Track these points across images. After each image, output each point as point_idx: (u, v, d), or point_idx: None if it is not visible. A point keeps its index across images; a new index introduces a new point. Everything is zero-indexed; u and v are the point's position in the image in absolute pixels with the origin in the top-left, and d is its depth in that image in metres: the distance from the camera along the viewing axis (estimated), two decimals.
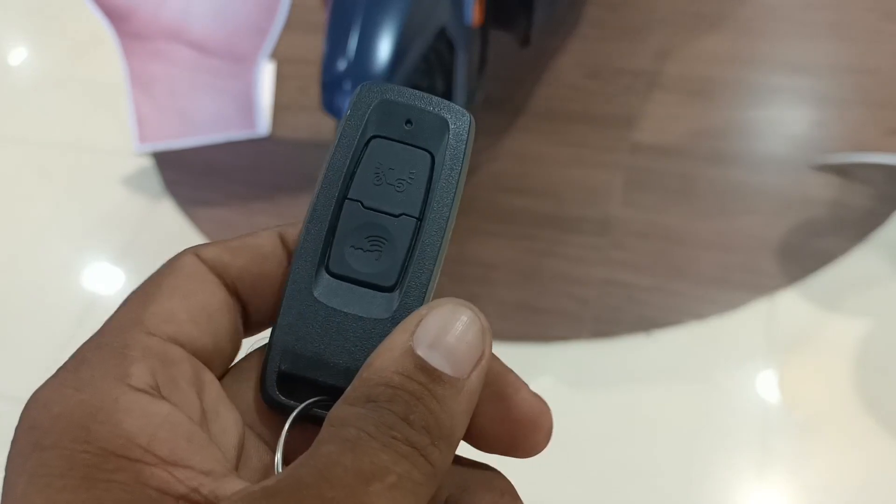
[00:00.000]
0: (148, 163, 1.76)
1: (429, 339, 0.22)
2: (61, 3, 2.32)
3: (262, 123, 1.76)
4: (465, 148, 0.27)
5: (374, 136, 0.27)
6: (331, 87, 1.19)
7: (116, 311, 0.24)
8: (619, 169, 1.63)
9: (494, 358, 0.24)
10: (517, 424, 0.24)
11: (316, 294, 0.25)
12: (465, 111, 0.27)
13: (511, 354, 1.35)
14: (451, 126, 0.27)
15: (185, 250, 0.25)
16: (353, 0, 1.20)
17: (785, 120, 1.71)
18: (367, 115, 0.27)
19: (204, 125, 1.73)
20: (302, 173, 1.72)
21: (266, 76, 1.77)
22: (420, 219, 0.26)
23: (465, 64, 1.36)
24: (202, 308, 0.24)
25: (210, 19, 1.58)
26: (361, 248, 0.26)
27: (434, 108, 0.27)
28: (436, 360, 0.21)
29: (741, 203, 1.55)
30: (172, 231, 1.64)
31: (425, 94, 0.27)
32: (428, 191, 0.26)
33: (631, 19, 1.98)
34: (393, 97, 0.27)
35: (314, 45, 1.99)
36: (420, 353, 0.21)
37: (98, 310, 1.52)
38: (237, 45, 1.63)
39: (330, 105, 1.20)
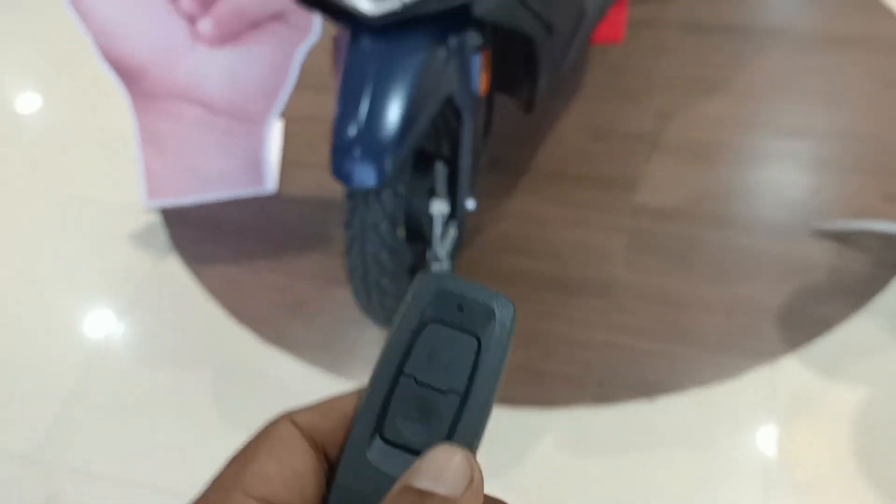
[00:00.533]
0: (155, 218, 1.78)
1: (422, 472, 0.26)
2: (80, 55, 2.36)
3: (270, 180, 1.78)
4: (508, 335, 0.30)
5: (431, 321, 0.30)
6: (341, 152, 1.21)
7: (220, 471, 0.27)
8: (621, 231, 1.65)
9: None
10: None
11: (370, 457, 0.28)
12: (509, 302, 0.30)
13: (514, 418, 1.36)
14: (497, 315, 0.30)
15: (281, 416, 0.29)
16: (363, 68, 1.23)
17: (785, 184, 1.74)
18: (425, 302, 0.30)
19: (212, 182, 1.75)
20: (308, 231, 1.74)
21: (274, 134, 1.80)
22: (465, 396, 0.28)
23: (471, 129, 1.38)
24: (293, 471, 0.27)
25: (222, 80, 1.61)
26: (412, 419, 0.29)
27: (483, 298, 0.30)
28: (426, 484, 0.26)
29: (743, 267, 1.57)
30: (178, 287, 1.65)
31: (476, 285, 0.30)
32: (473, 371, 0.29)
33: (632, 82, 2.02)
34: (448, 287, 0.30)
35: (322, 104, 2.02)
36: (413, 483, 0.26)
37: (102, 364, 1.53)
38: (247, 105, 1.66)
39: (339, 171, 1.21)
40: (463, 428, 0.28)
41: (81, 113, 2.16)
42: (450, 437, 0.28)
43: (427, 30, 1.24)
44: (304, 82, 1.70)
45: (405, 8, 1.18)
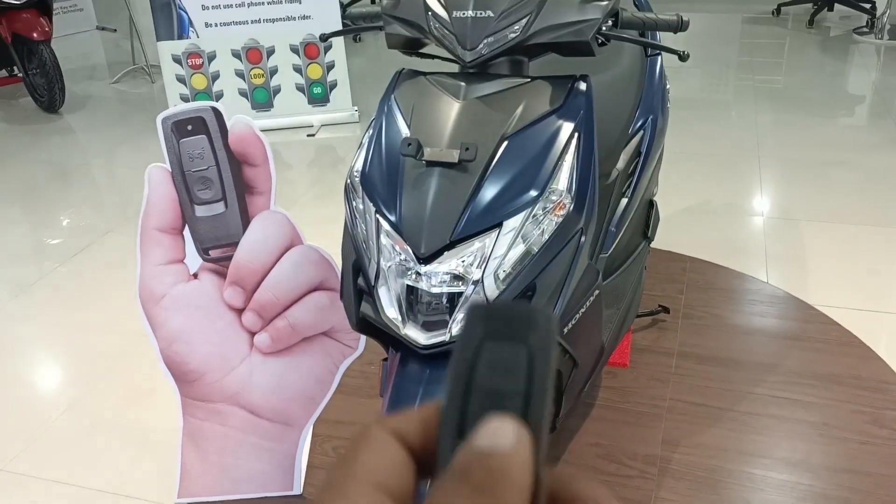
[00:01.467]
0: None
1: (478, 434, 0.32)
2: (124, 350, 2.54)
3: (299, 484, 1.86)
4: (551, 337, 0.35)
5: (486, 340, 0.35)
6: None
7: (329, 474, 0.33)
8: None
9: (596, 490, 0.34)
10: None
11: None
12: (546, 312, 0.36)
13: None
14: (539, 322, 0.35)
15: (371, 423, 0.34)
16: (411, 389, 1.38)
17: None
18: (478, 325, 0.36)
19: (244, 483, 1.83)
20: None
21: (307, 438, 1.91)
22: (526, 394, 0.34)
23: None
24: (393, 462, 0.33)
25: (269, 387, 1.76)
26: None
27: (525, 312, 0.36)
28: (480, 442, 0.32)
29: None
30: None
31: (517, 302, 0.37)
32: (529, 373, 0.34)
33: (640, 404, 2.17)
34: (494, 309, 0.36)
35: (351, 408, 2.16)
36: (472, 443, 0.33)
37: None
38: (289, 412, 1.79)
39: None
40: (530, 421, 0.33)
41: (117, 407, 2.28)
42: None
43: None
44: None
45: (453, 340, 1.36)
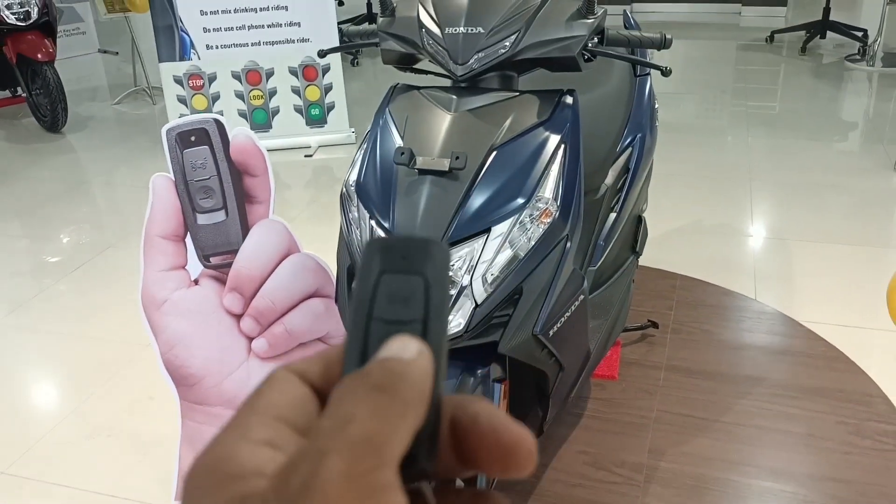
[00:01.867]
0: None
1: (383, 350, 0.33)
2: (122, 359, 2.58)
3: None
4: (446, 267, 0.37)
5: (383, 273, 0.36)
6: None
7: (234, 412, 0.33)
8: None
9: (487, 406, 0.35)
10: (505, 449, 0.34)
11: None
12: (440, 242, 0.37)
13: None
14: (434, 254, 0.36)
15: (276, 367, 0.35)
16: None
17: None
18: (375, 259, 0.36)
19: None
20: None
21: None
22: (425, 321, 0.35)
23: None
24: (295, 398, 0.34)
25: None
26: None
27: (420, 244, 0.37)
28: (382, 354, 0.33)
29: None
30: None
31: (412, 236, 0.37)
32: (427, 302, 0.35)
33: (627, 415, 2.21)
34: (390, 243, 0.37)
35: None
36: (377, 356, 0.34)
37: None
38: None
39: None
40: (429, 341, 0.34)
41: (117, 415, 2.33)
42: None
43: (458, 360, 1.46)
44: None
45: None
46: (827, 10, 6.45)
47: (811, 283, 2.91)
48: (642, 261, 2.78)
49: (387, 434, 0.30)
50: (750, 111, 4.99)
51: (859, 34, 6.17)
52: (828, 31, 6.52)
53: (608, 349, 2.02)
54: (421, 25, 1.55)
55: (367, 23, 1.89)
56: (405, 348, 0.33)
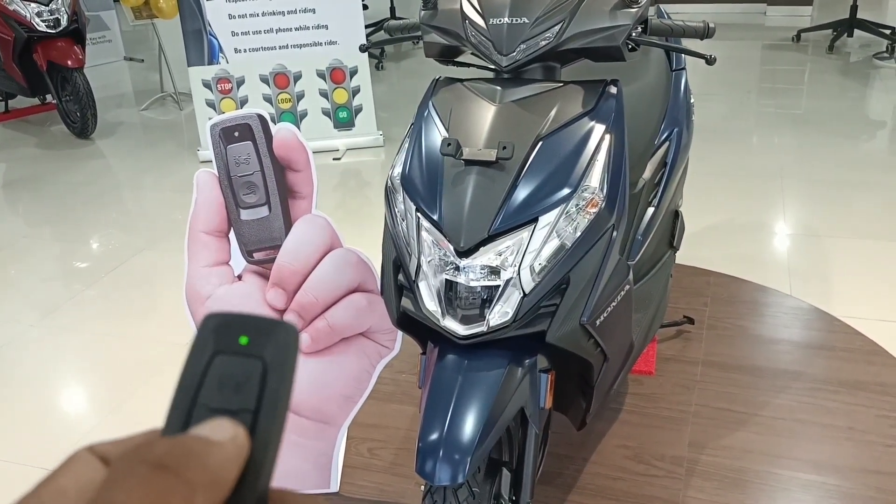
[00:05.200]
0: None
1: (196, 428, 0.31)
2: (164, 359, 2.61)
3: (336, 482, 1.91)
4: (290, 352, 0.33)
5: (217, 354, 0.33)
6: (425, 454, 1.37)
7: (29, 490, 0.30)
8: None
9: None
10: None
11: None
12: (290, 325, 0.34)
13: None
14: (279, 336, 0.33)
15: (80, 448, 0.32)
16: (450, 381, 1.43)
17: None
18: (208, 338, 0.33)
19: (282, 479, 1.88)
20: None
21: (344, 437, 1.96)
22: (256, 412, 0.32)
23: (533, 439, 1.56)
24: (88, 484, 0.30)
25: (309, 386, 1.82)
26: None
27: (263, 325, 0.33)
28: (195, 431, 0.31)
29: None
30: None
31: (257, 315, 0.34)
32: (262, 390, 0.32)
33: (666, 409, 2.21)
34: (229, 320, 0.34)
35: (384, 413, 2.21)
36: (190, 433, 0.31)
37: None
38: (328, 410, 1.85)
39: (423, 469, 1.37)
40: (256, 438, 0.31)
41: (157, 415, 2.35)
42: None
43: (505, 350, 1.47)
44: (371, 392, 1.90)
45: (491, 330, 1.42)
46: (854, 8, 6.41)
47: (846, 279, 2.89)
48: (676, 258, 2.77)
49: None
50: (778, 111, 4.96)
51: (886, 32, 6.12)
52: (855, 30, 6.47)
53: (647, 343, 2.02)
54: (464, 17, 1.56)
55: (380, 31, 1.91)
56: (218, 429, 0.31)
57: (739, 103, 5.16)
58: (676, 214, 2.28)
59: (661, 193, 2.08)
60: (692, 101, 2.30)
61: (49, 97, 5.70)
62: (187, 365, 0.33)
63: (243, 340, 0.33)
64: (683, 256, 3.00)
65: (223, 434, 0.30)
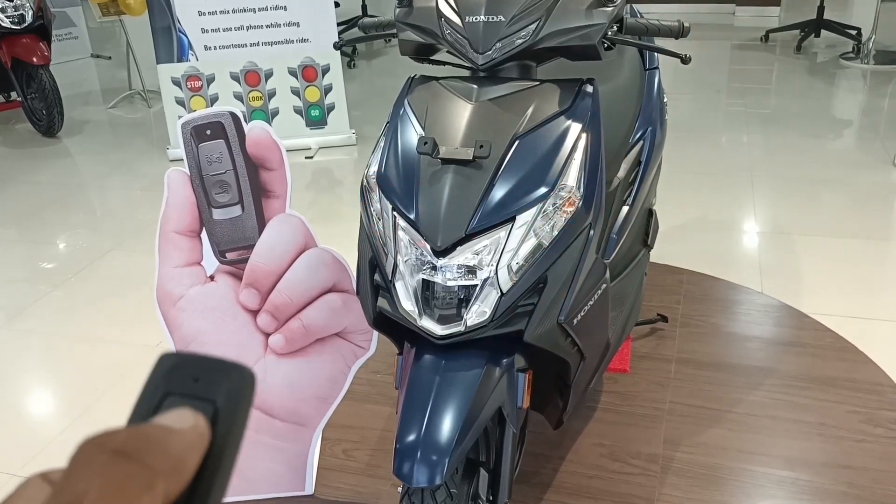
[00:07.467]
0: None
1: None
2: (133, 360, 2.56)
3: (311, 484, 1.90)
4: (242, 394, 0.33)
5: (168, 394, 0.32)
6: (403, 454, 1.36)
7: None
8: None
9: None
10: None
11: None
12: (245, 367, 0.33)
13: None
14: (232, 378, 0.32)
15: (32, 475, 0.31)
16: (427, 381, 1.42)
17: None
18: (160, 378, 0.32)
19: (257, 483, 1.86)
20: None
21: (318, 439, 1.94)
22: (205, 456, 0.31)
23: (511, 439, 1.55)
24: None
25: (283, 387, 1.80)
26: None
27: (217, 367, 0.33)
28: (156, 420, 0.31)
29: None
30: None
31: (212, 357, 0.33)
32: (212, 434, 0.31)
33: (641, 407, 2.22)
34: (182, 361, 0.33)
35: (359, 414, 2.19)
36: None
37: None
38: (302, 411, 1.83)
39: (400, 470, 1.36)
40: (205, 481, 0.30)
41: (126, 416, 2.31)
42: (193, 489, 0.30)
43: (483, 350, 1.46)
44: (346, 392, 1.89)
45: (468, 330, 1.41)
46: (821, 10, 6.49)
47: (816, 276, 2.92)
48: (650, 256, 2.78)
49: None
50: (748, 110, 5.01)
51: (853, 32, 6.20)
52: (822, 30, 6.55)
53: (622, 342, 2.02)
54: (440, 15, 1.55)
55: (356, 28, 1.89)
56: (180, 418, 0.31)
57: (709, 102, 5.20)
58: (650, 213, 2.28)
59: (636, 192, 2.08)
60: (665, 100, 2.31)
61: (14, 95, 5.61)
62: (137, 405, 0.32)
63: (196, 382, 0.32)
64: (656, 255, 3.02)
65: (184, 423, 0.30)
